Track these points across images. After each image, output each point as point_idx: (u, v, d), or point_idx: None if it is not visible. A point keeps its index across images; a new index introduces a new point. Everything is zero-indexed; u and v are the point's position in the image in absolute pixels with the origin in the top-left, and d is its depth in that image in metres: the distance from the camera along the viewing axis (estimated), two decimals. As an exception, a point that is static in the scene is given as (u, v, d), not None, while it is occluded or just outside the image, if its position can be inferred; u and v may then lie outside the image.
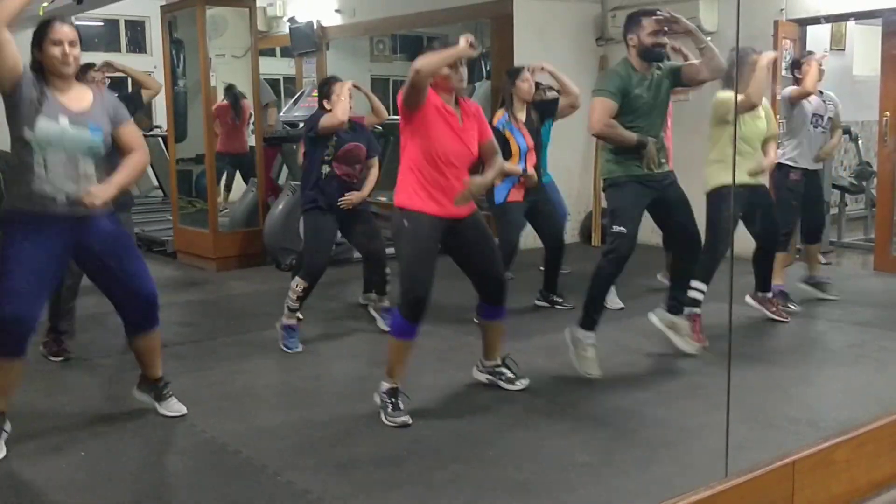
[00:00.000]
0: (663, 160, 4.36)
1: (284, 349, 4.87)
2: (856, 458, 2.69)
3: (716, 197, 4.91)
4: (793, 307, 5.54)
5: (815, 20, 7.25)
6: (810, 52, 5.75)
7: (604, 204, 7.95)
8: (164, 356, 4.74)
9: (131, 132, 3.67)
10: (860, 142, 8.77)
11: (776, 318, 5.34)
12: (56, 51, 3.44)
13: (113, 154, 3.63)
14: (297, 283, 4.90)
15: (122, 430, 3.75)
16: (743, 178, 4.95)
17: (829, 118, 5.62)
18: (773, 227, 5.22)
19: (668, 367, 4.53)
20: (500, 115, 5.48)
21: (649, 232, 6.05)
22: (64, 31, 3.48)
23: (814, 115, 5.51)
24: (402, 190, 3.84)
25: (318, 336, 5.25)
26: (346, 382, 4.48)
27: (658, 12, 4.21)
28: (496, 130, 5.41)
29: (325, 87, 5.02)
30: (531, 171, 5.44)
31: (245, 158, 8.41)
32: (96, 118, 3.50)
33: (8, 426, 3.52)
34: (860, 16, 7.31)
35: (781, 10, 7.10)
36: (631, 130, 4.22)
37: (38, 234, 3.42)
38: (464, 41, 3.63)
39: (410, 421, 3.74)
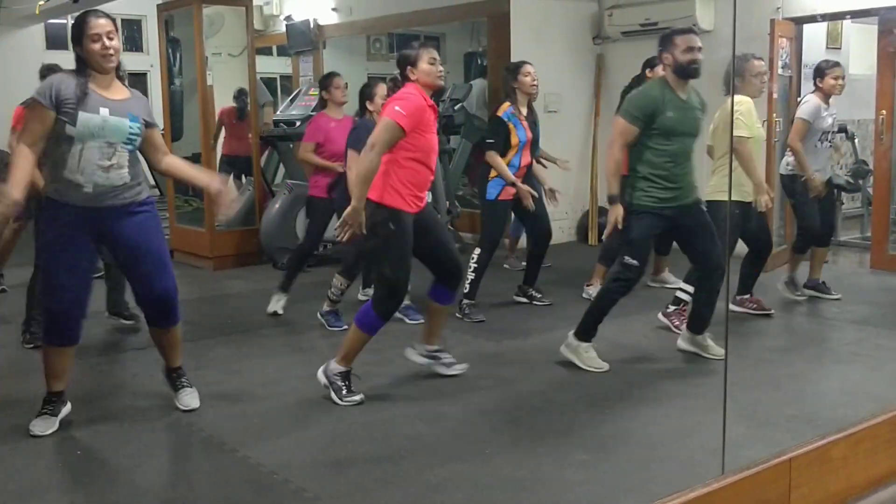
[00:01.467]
0: (688, 189, 4.27)
1: (334, 329, 5.16)
2: (853, 455, 2.69)
3: (714, 208, 4.79)
4: (799, 296, 5.72)
5: (812, 19, 7.26)
6: (836, 64, 5.63)
7: (601, 203, 7.98)
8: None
9: (160, 136, 3.80)
10: (856, 140, 8.78)
11: (760, 312, 5.39)
12: (97, 46, 3.45)
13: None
14: (341, 282, 5.19)
15: (119, 429, 3.74)
16: (742, 195, 4.94)
17: (835, 131, 5.62)
18: (765, 236, 5.27)
19: (665, 365, 4.53)
20: (506, 108, 5.45)
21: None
22: (100, 23, 3.48)
23: (824, 132, 5.49)
24: (387, 187, 3.88)
25: (315, 335, 5.25)
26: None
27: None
28: (501, 122, 5.41)
29: (368, 89, 5.07)
30: (525, 161, 5.46)
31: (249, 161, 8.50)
32: (135, 109, 3.57)
33: (68, 407, 3.73)
34: (856, 14, 7.32)
35: (778, 8, 7.11)
36: (660, 153, 4.17)
37: (73, 225, 3.50)
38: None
39: (364, 398, 3.87)
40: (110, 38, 3.48)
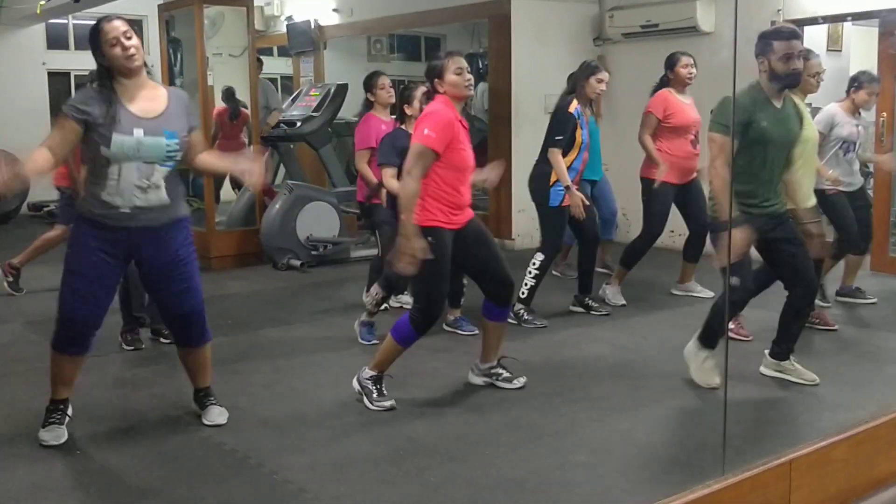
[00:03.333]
0: (777, 202, 3.99)
1: (363, 342, 4.87)
2: (853, 457, 2.69)
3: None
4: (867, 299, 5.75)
5: (813, 21, 7.26)
6: (874, 79, 5.44)
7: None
8: (159, 355, 4.77)
9: (200, 137, 3.65)
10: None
11: (824, 327, 5.14)
12: (117, 51, 3.34)
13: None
14: (378, 292, 4.88)
15: (117, 429, 3.74)
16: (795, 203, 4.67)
17: (860, 143, 5.49)
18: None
19: (665, 366, 4.52)
20: (576, 105, 5.22)
21: (666, 235, 6.05)
22: (114, 26, 3.37)
23: (844, 141, 5.39)
24: (422, 207, 3.80)
25: (315, 336, 5.25)
26: (341, 382, 4.47)
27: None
28: (571, 117, 5.17)
29: (407, 92, 4.90)
30: (583, 166, 5.35)
31: None
32: (171, 122, 3.43)
33: (70, 410, 3.64)
34: (857, 16, 7.32)
35: (779, 10, 7.11)
36: (752, 164, 3.87)
37: (103, 239, 3.44)
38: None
39: (396, 405, 3.84)
40: (128, 38, 3.37)
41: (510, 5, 8.01)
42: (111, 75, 3.39)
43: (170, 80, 8.00)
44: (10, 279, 6.26)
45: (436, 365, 4.54)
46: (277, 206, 7.36)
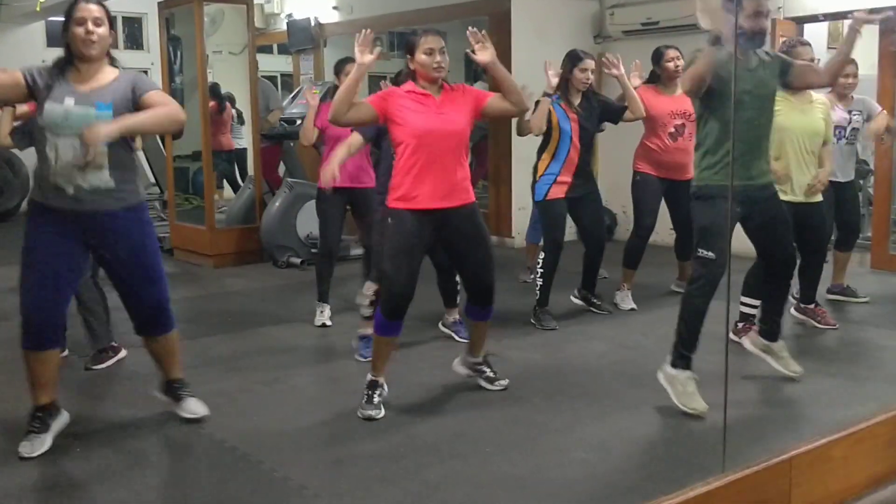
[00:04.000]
0: (759, 171, 3.87)
1: (359, 358, 4.58)
2: (853, 454, 2.69)
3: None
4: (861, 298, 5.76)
5: (813, 18, 7.26)
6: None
7: (604, 203, 7.82)
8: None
9: (156, 96, 3.41)
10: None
11: (825, 326, 5.15)
12: (79, 30, 3.29)
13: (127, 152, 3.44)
14: (368, 288, 4.65)
15: (118, 427, 3.74)
16: (798, 196, 4.69)
17: (854, 128, 5.46)
18: (821, 243, 4.94)
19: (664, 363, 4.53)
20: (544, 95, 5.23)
21: (666, 233, 6.03)
22: (87, 7, 3.31)
23: (835, 127, 5.31)
24: (391, 189, 3.84)
25: (315, 334, 5.25)
26: (342, 379, 4.47)
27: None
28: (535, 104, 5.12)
29: (399, 79, 4.75)
30: (573, 156, 5.22)
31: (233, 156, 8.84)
32: (107, 95, 3.31)
33: (63, 418, 3.54)
34: (858, 14, 7.30)
35: (779, 7, 7.10)
36: (726, 123, 3.69)
37: (54, 227, 3.36)
38: (360, 56, 3.81)
39: (378, 416, 3.74)
40: (97, 25, 3.31)
41: (510, 2, 8.00)
42: (70, 55, 3.35)
43: (169, 77, 8.01)
44: None
45: (435, 363, 4.54)
46: (277, 203, 7.36)
